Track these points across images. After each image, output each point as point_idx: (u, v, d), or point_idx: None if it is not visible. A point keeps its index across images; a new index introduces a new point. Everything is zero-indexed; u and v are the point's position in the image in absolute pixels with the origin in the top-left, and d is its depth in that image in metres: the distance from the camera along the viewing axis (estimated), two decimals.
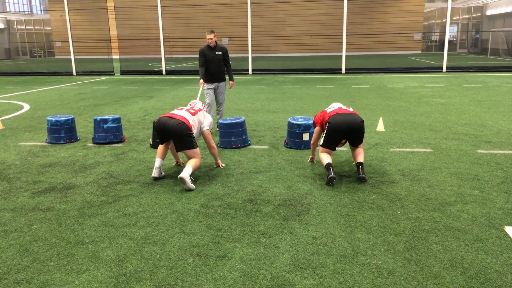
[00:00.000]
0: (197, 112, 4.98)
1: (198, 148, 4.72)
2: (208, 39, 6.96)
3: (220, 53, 7.09)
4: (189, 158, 4.66)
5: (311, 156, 5.30)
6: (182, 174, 4.35)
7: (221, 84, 7.22)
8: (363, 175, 4.49)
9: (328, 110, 4.90)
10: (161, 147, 4.85)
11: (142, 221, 3.68)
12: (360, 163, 4.57)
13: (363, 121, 4.68)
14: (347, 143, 4.91)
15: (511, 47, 26.94)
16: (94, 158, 5.67)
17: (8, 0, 43.26)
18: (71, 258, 3.08)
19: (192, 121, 4.76)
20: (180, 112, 4.81)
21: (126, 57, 31.02)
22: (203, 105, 5.35)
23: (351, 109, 4.88)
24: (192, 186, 4.42)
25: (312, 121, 5.93)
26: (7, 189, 4.55)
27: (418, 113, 8.35)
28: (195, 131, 4.78)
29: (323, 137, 4.73)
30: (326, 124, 4.71)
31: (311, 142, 5.16)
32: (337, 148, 5.11)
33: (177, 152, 4.92)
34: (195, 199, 4.16)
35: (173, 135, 4.61)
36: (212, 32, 6.97)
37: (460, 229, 3.40)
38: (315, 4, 33.70)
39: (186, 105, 5.21)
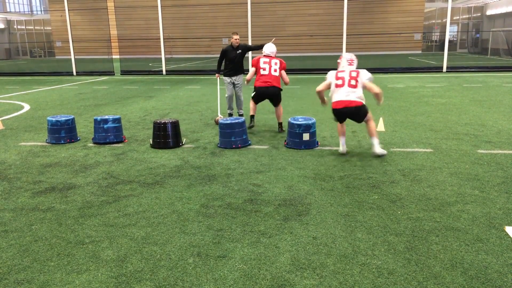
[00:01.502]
0: (356, 80, 5.47)
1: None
2: (236, 39, 7.83)
3: (240, 51, 7.89)
4: (370, 127, 5.46)
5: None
6: (379, 150, 5.38)
7: (239, 78, 7.95)
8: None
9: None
10: (343, 124, 5.63)
11: (143, 221, 3.68)
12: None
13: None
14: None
15: (511, 47, 26.92)
16: (94, 158, 5.67)
17: (8, 0, 43.27)
18: (71, 258, 3.08)
19: (359, 95, 5.45)
20: (353, 95, 5.42)
21: (126, 57, 31.02)
22: (352, 59, 5.72)
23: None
24: (383, 151, 5.44)
25: (312, 121, 5.95)
26: (8, 189, 4.56)
27: (418, 113, 8.35)
28: (363, 99, 5.48)
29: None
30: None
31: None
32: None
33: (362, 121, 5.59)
34: (195, 199, 4.16)
35: (354, 115, 5.51)
36: (237, 33, 7.91)
37: (461, 229, 3.40)
38: (315, 4, 33.70)
39: (344, 69, 5.62)
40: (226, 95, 8.03)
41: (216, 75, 8.11)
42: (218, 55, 8.03)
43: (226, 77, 7.91)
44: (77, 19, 31.37)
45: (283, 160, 5.40)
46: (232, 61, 7.82)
